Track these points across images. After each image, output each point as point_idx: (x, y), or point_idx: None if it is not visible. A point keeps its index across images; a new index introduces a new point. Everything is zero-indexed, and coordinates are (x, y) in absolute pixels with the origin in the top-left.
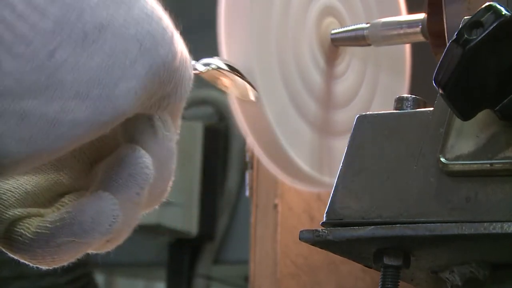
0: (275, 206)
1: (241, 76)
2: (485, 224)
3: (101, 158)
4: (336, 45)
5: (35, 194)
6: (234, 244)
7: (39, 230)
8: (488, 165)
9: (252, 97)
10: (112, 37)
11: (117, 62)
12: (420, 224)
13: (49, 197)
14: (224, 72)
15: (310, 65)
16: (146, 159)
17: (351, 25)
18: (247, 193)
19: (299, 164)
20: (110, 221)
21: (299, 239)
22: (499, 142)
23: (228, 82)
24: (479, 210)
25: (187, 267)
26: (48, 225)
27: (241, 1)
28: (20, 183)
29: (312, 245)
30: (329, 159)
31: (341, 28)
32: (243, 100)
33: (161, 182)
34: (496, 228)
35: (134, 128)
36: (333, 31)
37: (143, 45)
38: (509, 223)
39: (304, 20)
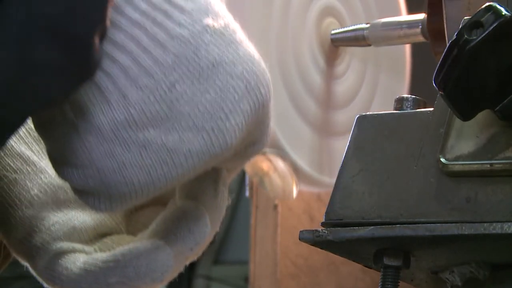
0: (275, 206)
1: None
2: (485, 224)
3: (140, 207)
4: (336, 45)
5: (81, 231)
6: (234, 245)
7: (87, 267)
8: (488, 165)
9: (294, 193)
10: (223, 73)
11: (228, 97)
12: (420, 225)
13: (92, 236)
14: (270, 156)
15: (310, 65)
16: (206, 218)
17: (351, 26)
18: (247, 193)
19: (299, 164)
20: (163, 270)
21: (299, 239)
22: (499, 142)
23: (269, 167)
24: (479, 211)
25: (187, 267)
26: (99, 263)
27: (241, 1)
28: (69, 217)
29: (312, 245)
30: (329, 159)
31: (341, 28)
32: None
33: (210, 236)
34: (496, 228)
35: (197, 187)
36: (333, 31)
37: (249, 83)
38: (509, 224)
39: (304, 20)
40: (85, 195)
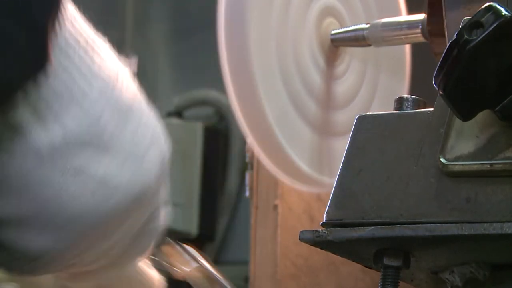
0: (275, 206)
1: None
2: (485, 224)
3: None
4: (336, 45)
5: None
6: (234, 245)
7: None
8: (488, 166)
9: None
10: (117, 149)
11: (139, 148)
12: (420, 225)
13: None
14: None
15: (310, 65)
16: None
17: (351, 26)
18: (247, 193)
19: (299, 164)
20: None
21: (299, 239)
22: (499, 142)
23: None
24: (479, 211)
25: None
26: None
27: (241, 2)
28: None
29: (312, 245)
30: (329, 160)
31: (341, 28)
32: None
33: None
34: (496, 228)
35: None
36: (333, 32)
37: (136, 165)
38: (509, 224)
39: (304, 21)
40: (18, 228)
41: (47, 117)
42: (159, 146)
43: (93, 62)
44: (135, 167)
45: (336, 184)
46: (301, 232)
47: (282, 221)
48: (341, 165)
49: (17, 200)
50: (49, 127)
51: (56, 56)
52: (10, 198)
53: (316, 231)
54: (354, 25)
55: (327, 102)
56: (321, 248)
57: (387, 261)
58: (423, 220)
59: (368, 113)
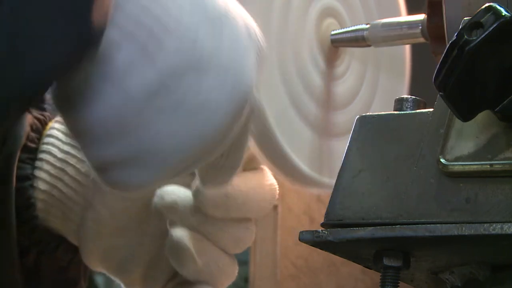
0: (275, 207)
1: None
2: (485, 225)
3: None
4: (336, 46)
5: None
6: None
7: None
8: (488, 166)
9: None
10: (213, 71)
11: (215, 98)
12: (420, 225)
13: None
14: None
15: (310, 66)
16: None
17: (351, 26)
18: None
19: (299, 165)
20: None
21: (299, 240)
22: (499, 143)
23: None
24: (479, 211)
25: None
26: None
27: (240, 2)
28: None
29: (312, 246)
30: (329, 160)
31: (341, 29)
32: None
33: None
34: (496, 229)
35: None
36: (333, 32)
37: (236, 76)
38: (509, 224)
39: (304, 21)
40: (117, 169)
41: (140, 61)
42: (254, 45)
43: None
44: (235, 81)
45: (336, 184)
46: (301, 232)
47: (282, 222)
48: (341, 166)
49: (119, 144)
50: (144, 70)
51: None
52: (113, 143)
53: (316, 231)
54: (354, 26)
55: (327, 102)
56: (321, 249)
57: (387, 262)
58: (423, 220)
59: (368, 114)
